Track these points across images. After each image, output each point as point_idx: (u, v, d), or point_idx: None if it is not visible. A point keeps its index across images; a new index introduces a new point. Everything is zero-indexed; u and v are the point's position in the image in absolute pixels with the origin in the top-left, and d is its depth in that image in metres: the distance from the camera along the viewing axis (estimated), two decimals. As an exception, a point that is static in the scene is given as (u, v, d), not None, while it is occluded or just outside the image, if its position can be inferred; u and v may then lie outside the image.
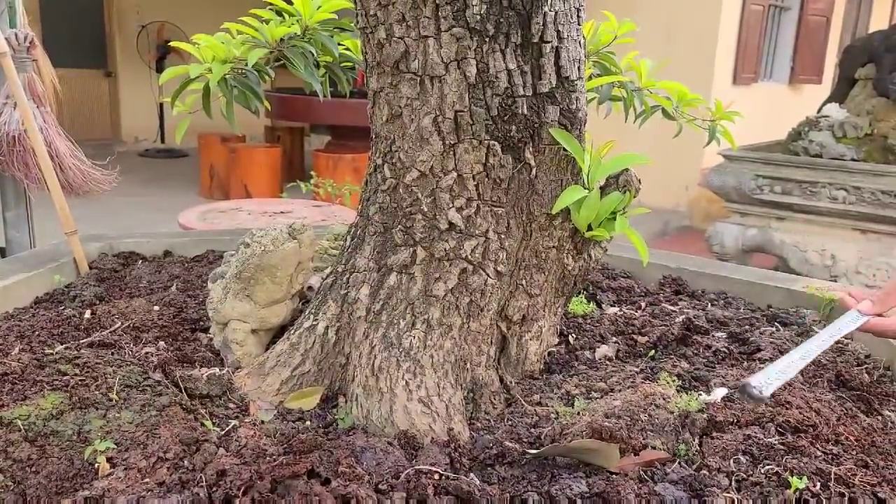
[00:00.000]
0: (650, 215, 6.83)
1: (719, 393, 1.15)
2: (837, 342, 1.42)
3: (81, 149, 2.49)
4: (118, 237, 1.85)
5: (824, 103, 4.56)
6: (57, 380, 1.04)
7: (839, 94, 4.59)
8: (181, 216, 2.52)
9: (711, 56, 6.66)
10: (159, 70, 8.43)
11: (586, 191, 1.19)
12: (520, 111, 1.12)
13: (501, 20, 1.06)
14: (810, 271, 4.13)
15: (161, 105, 9.20)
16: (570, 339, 1.41)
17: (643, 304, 1.61)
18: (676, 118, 1.74)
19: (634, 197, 1.25)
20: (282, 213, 2.61)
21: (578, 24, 1.15)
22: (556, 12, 1.10)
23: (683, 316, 1.48)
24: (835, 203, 4.00)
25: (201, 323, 1.38)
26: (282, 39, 1.59)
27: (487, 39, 1.07)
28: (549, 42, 1.10)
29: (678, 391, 1.15)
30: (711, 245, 4.57)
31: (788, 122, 4.64)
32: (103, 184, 2.61)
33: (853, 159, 4.05)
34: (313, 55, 1.52)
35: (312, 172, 3.67)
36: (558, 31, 1.11)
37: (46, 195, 2.60)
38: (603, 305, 1.62)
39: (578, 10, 1.14)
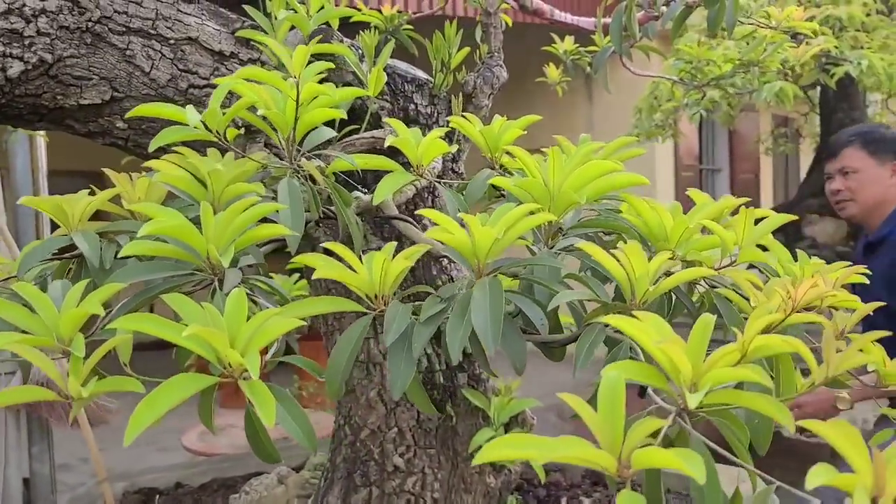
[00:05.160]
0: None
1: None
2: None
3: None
4: (139, 473, 2.25)
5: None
6: None
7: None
8: (184, 438, 2.93)
9: (654, 221, 7.37)
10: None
11: (493, 431, 1.63)
12: (438, 381, 1.58)
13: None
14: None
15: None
16: (504, 540, 1.80)
17: (564, 501, 2.02)
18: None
19: (531, 430, 1.70)
20: (271, 425, 3.02)
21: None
22: (456, 313, 1.60)
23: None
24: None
25: (213, 552, 1.77)
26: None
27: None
28: (453, 333, 1.59)
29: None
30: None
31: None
32: (116, 413, 3.03)
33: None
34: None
35: (295, 376, 4.09)
36: (460, 324, 1.60)
37: (65, 429, 3.00)
38: None
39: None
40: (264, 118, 0.87)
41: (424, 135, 1.28)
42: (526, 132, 1.12)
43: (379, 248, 1.53)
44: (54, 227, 3.03)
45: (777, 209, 4.07)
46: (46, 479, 2.96)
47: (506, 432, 1.65)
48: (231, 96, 1.43)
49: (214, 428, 0.75)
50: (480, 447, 1.69)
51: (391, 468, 1.57)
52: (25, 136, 3.11)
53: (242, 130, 1.08)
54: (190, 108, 0.76)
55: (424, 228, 1.12)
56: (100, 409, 3.01)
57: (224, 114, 0.81)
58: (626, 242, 1.02)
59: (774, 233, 1.00)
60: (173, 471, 2.28)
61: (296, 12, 1.25)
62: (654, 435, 0.52)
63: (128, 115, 0.79)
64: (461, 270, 1.59)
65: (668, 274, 0.73)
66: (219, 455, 2.58)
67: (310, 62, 1.18)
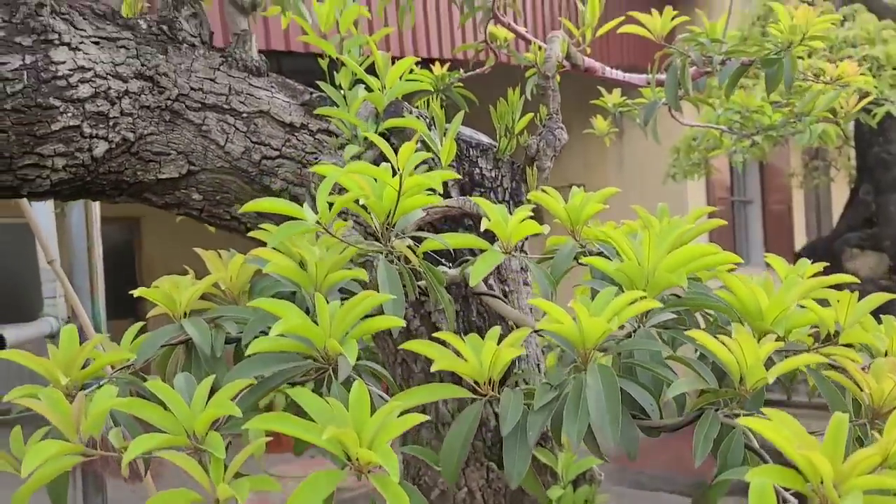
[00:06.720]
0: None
1: None
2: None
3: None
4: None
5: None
6: None
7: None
8: (237, 490, 2.94)
9: (688, 255, 7.35)
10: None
11: (562, 489, 1.63)
12: (506, 440, 1.59)
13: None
14: None
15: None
16: None
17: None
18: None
19: (598, 487, 1.69)
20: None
21: (539, 368, 1.66)
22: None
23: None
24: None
25: None
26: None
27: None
28: (520, 392, 1.60)
29: None
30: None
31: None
32: (166, 465, 3.06)
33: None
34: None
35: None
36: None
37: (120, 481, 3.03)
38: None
39: (538, 361, 1.65)
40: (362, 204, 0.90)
41: (488, 198, 1.31)
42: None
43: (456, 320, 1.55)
44: (108, 281, 3.06)
45: (816, 243, 4.09)
46: (101, 534, 2.99)
47: (574, 489, 1.65)
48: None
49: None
50: (550, 506, 1.69)
51: (462, 529, 1.57)
52: (79, 193, 3.19)
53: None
54: (306, 207, 0.80)
55: (505, 301, 1.14)
56: (161, 464, 3.04)
57: (331, 208, 0.84)
58: (712, 317, 1.02)
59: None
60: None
61: (369, 89, 1.29)
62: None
63: (243, 209, 0.83)
64: (531, 345, 1.60)
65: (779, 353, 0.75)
66: (275, 509, 2.59)
67: (385, 135, 1.22)
